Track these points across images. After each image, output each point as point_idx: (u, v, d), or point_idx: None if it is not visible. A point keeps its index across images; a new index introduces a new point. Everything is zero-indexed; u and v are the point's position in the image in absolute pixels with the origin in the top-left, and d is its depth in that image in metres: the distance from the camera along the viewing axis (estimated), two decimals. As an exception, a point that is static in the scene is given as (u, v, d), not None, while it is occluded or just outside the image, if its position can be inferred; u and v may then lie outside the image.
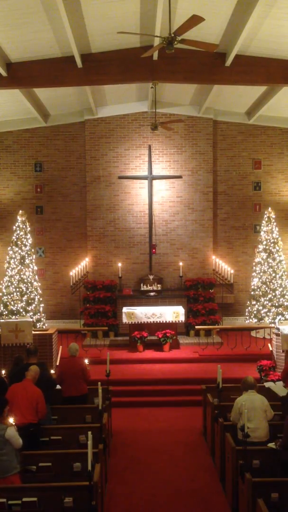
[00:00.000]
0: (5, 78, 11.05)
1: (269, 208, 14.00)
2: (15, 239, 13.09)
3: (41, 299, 13.18)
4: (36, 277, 13.20)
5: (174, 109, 14.89)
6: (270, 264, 13.37)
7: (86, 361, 8.77)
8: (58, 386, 8.16)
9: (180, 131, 14.93)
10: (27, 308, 12.64)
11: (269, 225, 13.64)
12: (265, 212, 13.94)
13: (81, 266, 14.95)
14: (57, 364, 10.18)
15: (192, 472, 7.30)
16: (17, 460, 5.65)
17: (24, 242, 13.03)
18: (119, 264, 14.76)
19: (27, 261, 12.95)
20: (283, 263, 13.49)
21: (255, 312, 13.30)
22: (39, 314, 12.85)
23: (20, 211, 13.44)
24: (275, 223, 13.70)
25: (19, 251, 12.96)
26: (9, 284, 12.80)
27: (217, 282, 14.83)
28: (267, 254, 13.47)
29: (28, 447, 6.17)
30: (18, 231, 13.09)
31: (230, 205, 15.51)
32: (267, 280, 13.30)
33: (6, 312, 12.54)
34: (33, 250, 13.45)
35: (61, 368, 8.37)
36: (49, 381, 7.66)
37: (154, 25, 9.48)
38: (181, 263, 14.82)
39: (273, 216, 13.74)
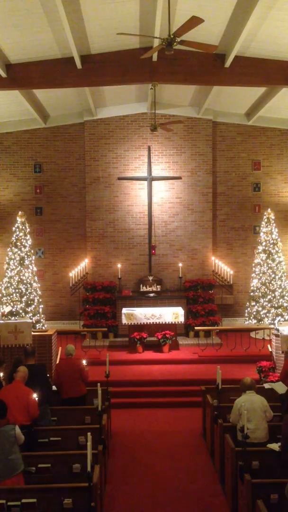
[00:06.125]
0: (5, 79, 11.06)
1: (269, 209, 13.99)
2: (14, 240, 13.08)
3: (40, 300, 13.17)
4: (36, 278, 13.18)
5: (173, 110, 14.89)
6: (269, 265, 13.36)
7: (84, 362, 8.74)
8: (54, 388, 8.12)
9: (180, 132, 14.93)
10: (27, 309, 12.63)
11: (269, 226, 13.64)
12: (265, 213, 13.93)
13: (81, 267, 14.95)
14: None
15: (192, 473, 7.30)
16: (21, 458, 5.67)
17: (23, 243, 13.02)
18: (119, 265, 14.76)
19: (26, 262, 12.95)
20: (283, 264, 13.48)
21: (254, 313, 13.29)
22: (38, 315, 12.83)
23: (20, 212, 13.43)
24: (274, 224, 13.69)
25: (19, 252, 12.95)
26: (9, 285, 12.80)
27: (217, 283, 14.84)
28: (266, 255, 13.46)
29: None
30: (18, 232, 13.09)
31: (229, 206, 15.51)
32: (267, 281, 13.29)
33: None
34: (32, 251, 13.44)
35: (59, 369, 8.31)
36: (47, 382, 7.64)
37: (153, 26, 9.49)
38: (180, 264, 14.82)
39: (273, 217, 13.73)
